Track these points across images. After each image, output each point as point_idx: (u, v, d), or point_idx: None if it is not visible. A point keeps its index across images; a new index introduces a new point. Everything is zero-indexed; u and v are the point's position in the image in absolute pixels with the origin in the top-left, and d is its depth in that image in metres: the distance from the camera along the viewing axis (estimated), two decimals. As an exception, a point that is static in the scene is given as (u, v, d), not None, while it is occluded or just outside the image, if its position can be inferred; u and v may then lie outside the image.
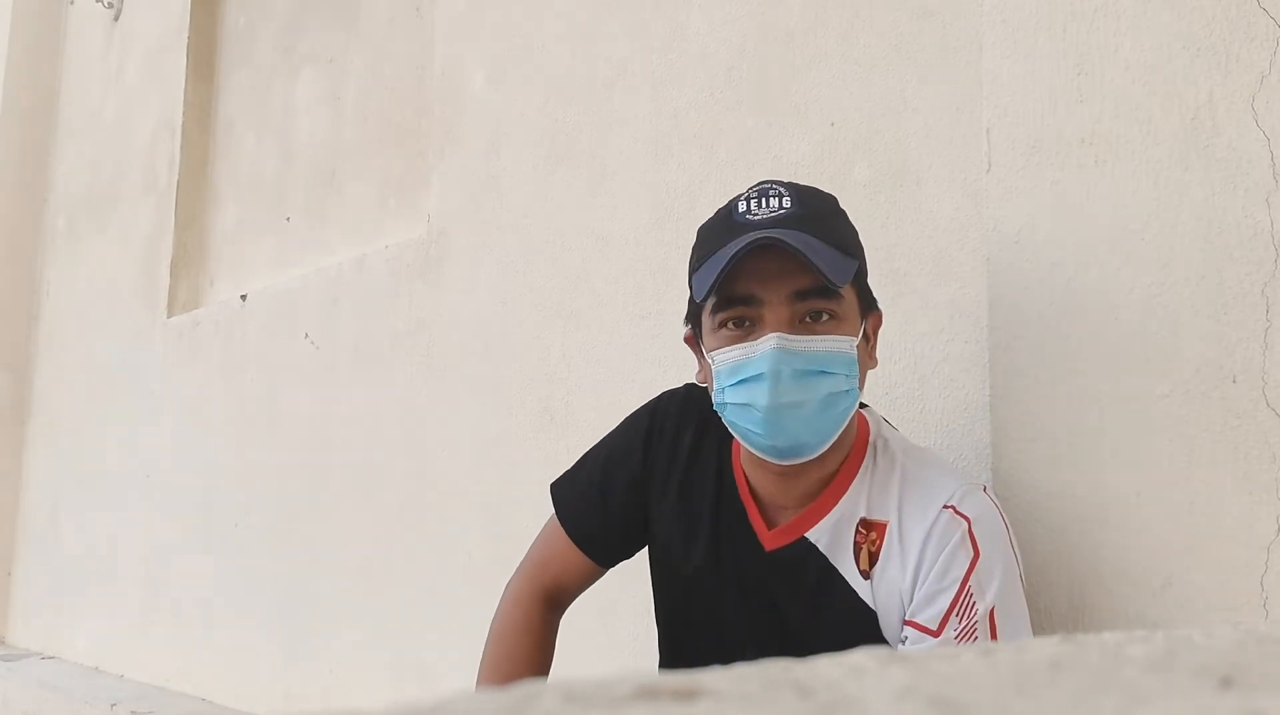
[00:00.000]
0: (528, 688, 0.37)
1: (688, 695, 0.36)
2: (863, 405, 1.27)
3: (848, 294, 1.14)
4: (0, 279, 4.65)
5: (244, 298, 3.36)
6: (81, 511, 4.11)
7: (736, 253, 1.08)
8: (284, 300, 3.16)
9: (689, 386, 1.36)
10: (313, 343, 3.00)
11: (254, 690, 3.02)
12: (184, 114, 3.84)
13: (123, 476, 3.83)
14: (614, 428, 1.43)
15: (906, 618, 1.12)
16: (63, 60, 4.82)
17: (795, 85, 1.85)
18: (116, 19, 4.43)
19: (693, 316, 1.21)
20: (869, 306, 1.20)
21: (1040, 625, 1.28)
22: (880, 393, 1.68)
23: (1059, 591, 1.26)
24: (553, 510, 1.45)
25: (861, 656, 0.41)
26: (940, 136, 1.63)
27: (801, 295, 1.11)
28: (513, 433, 2.32)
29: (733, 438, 1.23)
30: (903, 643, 1.13)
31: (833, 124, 1.78)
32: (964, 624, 1.08)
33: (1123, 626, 1.18)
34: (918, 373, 1.63)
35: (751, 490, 1.25)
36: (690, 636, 1.33)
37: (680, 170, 2.04)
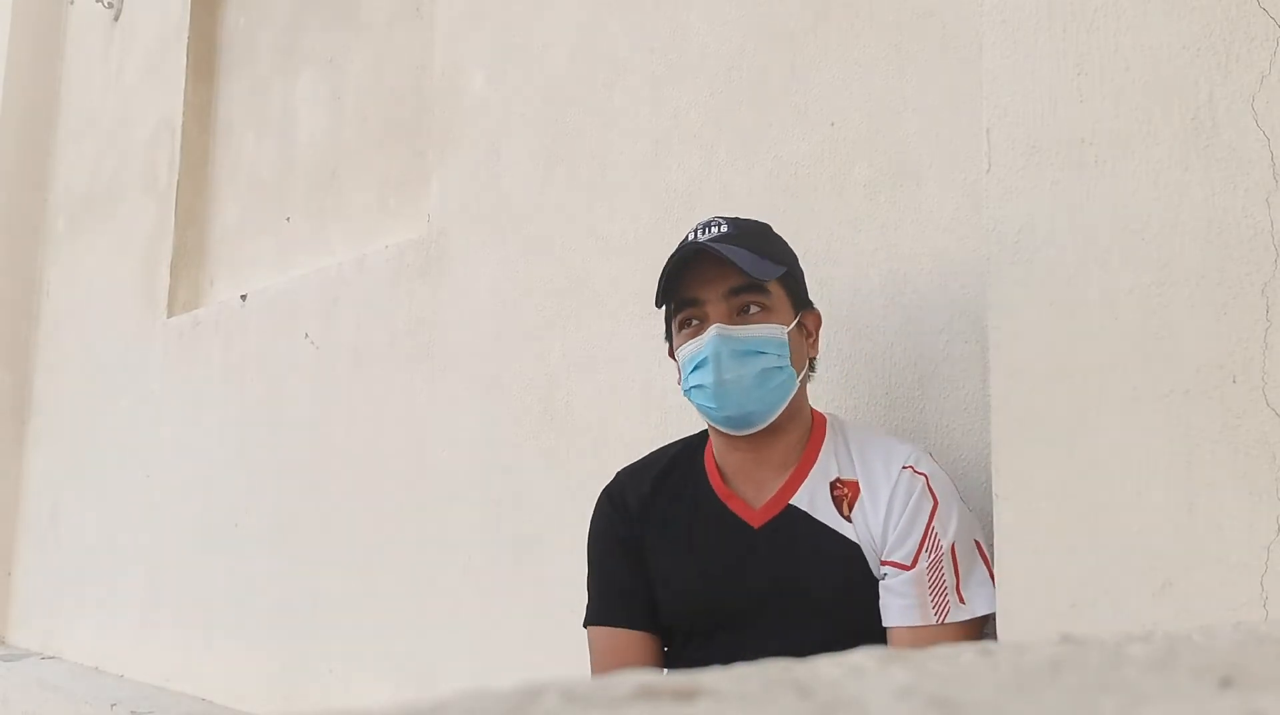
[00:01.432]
0: (528, 687, 0.37)
1: (688, 695, 0.36)
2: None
3: (776, 292, 1.41)
4: (0, 279, 4.65)
5: (244, 298, 3.36)
6: (81, 511, 4.10)
7: (673, 261, 1.38)
8: (284, 300, 3.16)
9: (619, 472, 1.57)
10: (313, 343, 3.00)
11: (254, 690, 3.02)
12: (184, 114, 3.84)
13: (123, 476, 3.83)
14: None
15: (883, 558, 1.36)
16: (63, 60, 4.82)
17: (795, 85, 1.85)
18: (116, 19, 4.43)
19: (668, 332, 1.47)
20: (803, 305, 1.46)
21: (1040, 625, 1.29)
22: (880, 393, 1.68)
23: (1059, 591, 1.26)
24: (588, 628, 1.53)
25: (861, 656, 0.41)
26: (940, 136, 1.63)
27: (735, 292, 1.38)
28: (513, 433, 2.32)
29: (700, 456, 1.49)
30: (882, 578, 1.36)
31: (833, 124, 1.78)
32: (932, 557, 1.34)
33: (1123, 626, 1.18)
34: (918, 373, 1.63)
35: (727, 485, 1.45)
36: (697, 641, 1.45)
37: (680, 170, 2.04)
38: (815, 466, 1.42)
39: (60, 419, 4.39)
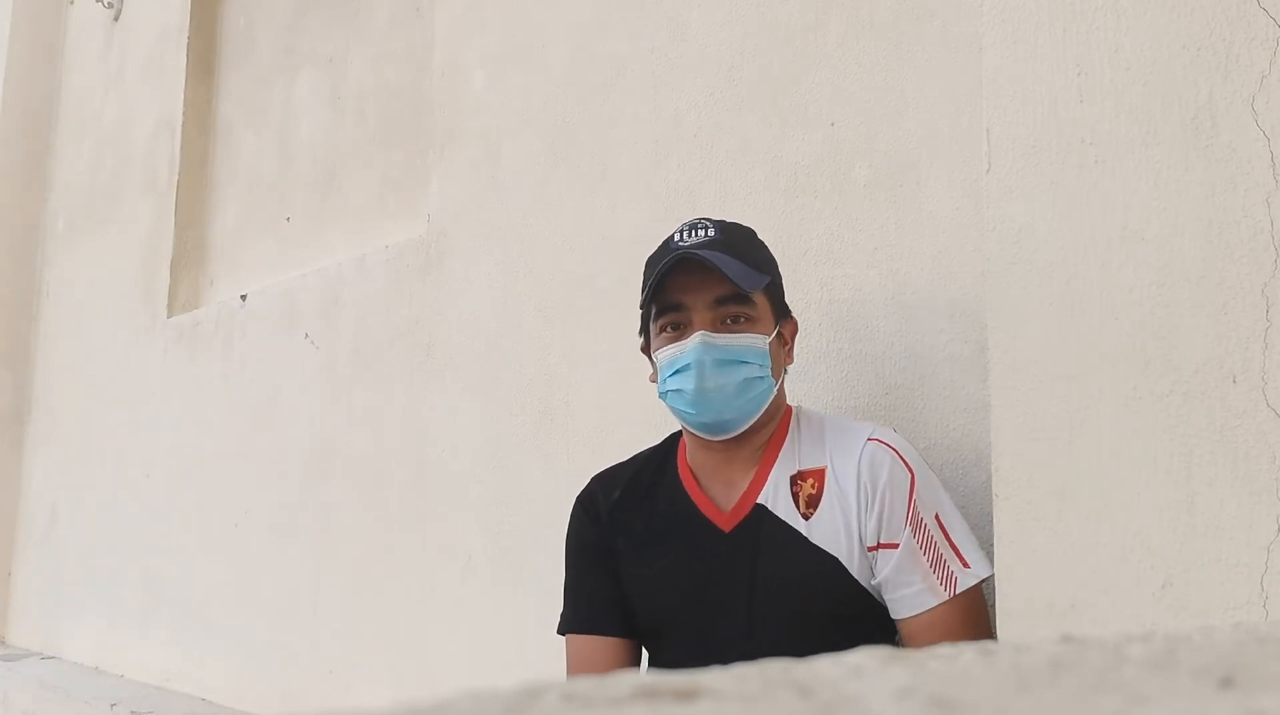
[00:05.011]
0: (528, 687, 0.37)
1: (688, 695, 0.36)
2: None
3: (760, 302, 1.41)
4: (0, 279, 4.65)
5: (244, 298, 3.36)
6: (81, 511, 4.10)
7: (664, 266, 1.37)
8: (284, 300, 3.16)
9: (592, 479, 1.57)
10: (313, 343, 2.99)
11: (254, 690, 3.02)
12: (184, 114, 3.84)
13: (122, 476, 3.83)
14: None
15: (870, 545, 1.35)
16: (63, 60, 4.82)
17: (795, 85, 1.85)
18: (116, 19, 4.43)
19: (644, 329, 1.47)
20: (783, 314, 1.47)
21: (1040, 625, 1.28)
22: (880, 393, 1.68)
23: (1059, 591, 1.26)
24: (565, 636, 1.51)
25: (861, 656, 0.41)
26: (940, 136, 1.63)
27: (720, 301, 1.38)
28: (513, 433, 2.32)
29: (673, 458, 1.49)
30: (873, 565, 1.35)
31: (833, 124, 1.78)
32: (920, 531, 1.34)
33: (1123, 626, 1.18)
34: (918, 373, 1.63)
35: (699, 486, 1.45)
36: (675, 642, 1.44)
37: (680, 170, 2.04)
38: (778, 462, 1.42)
39: (60, 419, 4.39)
